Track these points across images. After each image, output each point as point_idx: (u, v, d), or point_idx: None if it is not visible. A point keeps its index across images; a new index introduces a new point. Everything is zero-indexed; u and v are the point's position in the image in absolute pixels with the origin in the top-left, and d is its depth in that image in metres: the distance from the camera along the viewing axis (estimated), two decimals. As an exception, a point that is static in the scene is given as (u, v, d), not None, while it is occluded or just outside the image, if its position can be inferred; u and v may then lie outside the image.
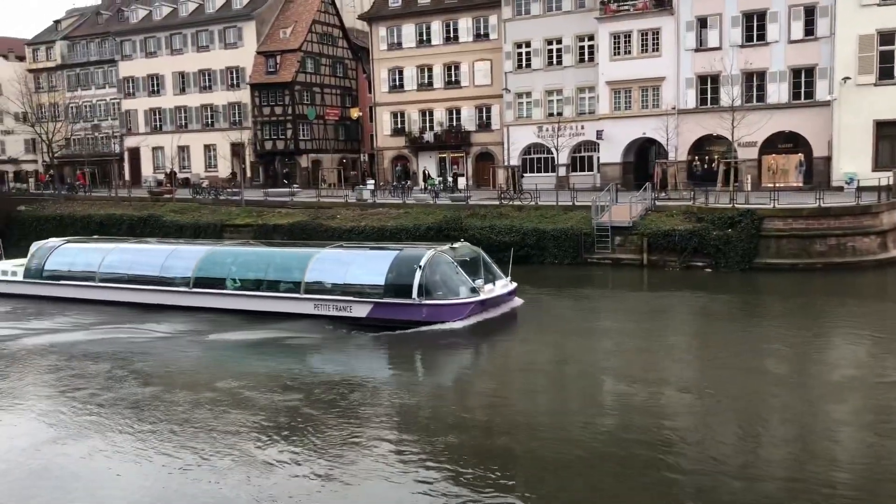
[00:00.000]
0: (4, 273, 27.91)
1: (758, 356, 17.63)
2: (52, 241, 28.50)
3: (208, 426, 13.52)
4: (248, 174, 57.25)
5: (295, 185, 48.61)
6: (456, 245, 22.39)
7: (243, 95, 57.29)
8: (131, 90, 62.91)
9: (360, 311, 21.10)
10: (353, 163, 61.13)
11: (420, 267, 20.40)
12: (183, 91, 60.59)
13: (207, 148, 59.59)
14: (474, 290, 20.94)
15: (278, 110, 56.12)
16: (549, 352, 18.94)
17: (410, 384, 16.89)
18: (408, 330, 20.15)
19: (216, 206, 41.94)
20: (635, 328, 21.50)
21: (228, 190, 45.76)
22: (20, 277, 27.20)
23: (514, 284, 22.64)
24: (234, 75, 58.29)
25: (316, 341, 20.10)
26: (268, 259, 24.17)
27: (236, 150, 55.99)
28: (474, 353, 19.87)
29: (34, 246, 28.17)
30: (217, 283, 23.47)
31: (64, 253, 27.23)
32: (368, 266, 21.95)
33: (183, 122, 60.92)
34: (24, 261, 28.05)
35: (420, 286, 20.25)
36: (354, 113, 60.57)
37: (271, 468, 11.58)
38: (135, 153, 63.08)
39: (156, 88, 61.81)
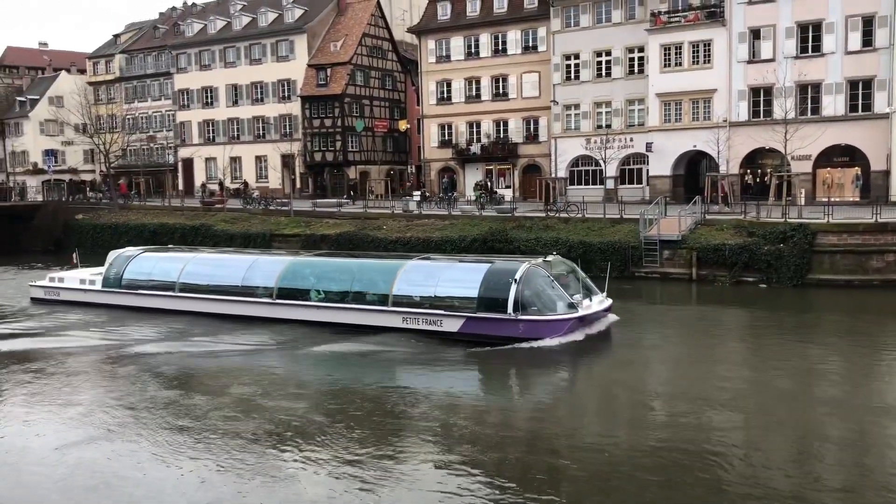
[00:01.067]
0: (82, 282, 27.78)
1: (827, 379, 17.21)
2: (130, 251, 28.39)
3: (312, 441, 13.24)
4: (298, 185, 58.01)
5: (345, 198, 48.75)
6: (549, 258, 21.70)
7: (294, 107, 58.18)
8: (186, 102, 64.42)
9: (452, 325, 20.51)
10: (401, 174, 61.50)
11: (515, 280, 19.70)
12: (235, 103, 61.80)
13: (258, 159, 60.60)
14: (572, 306, 20.07)
15: (328, 122, 56.82)
16: (650, 375, 18.08)
17: (513, 407, 16.06)
18: (502, 346, 19.41)
19: (266, 216, 42.57)
20: (741, 348, 20.95)
21: (278, 200, 46.43)
22: (98, 286, 27.11)
23: (610, 300, 21.78)
24: (286, 88, 59.24)
25: (408, 356, 19.54)
26: (353, 270, 23.71)
27: (286, 161, 56.81)
28: (574, 373, 18.72)
29: (112, 255, 28.12)
30: (300, 294, 23.12)
31: (142, 262, 27.11)
32: (459, 278, 21.34)
33: (235, 133, 62.11)
34: (100, 269, 27.95)
35: (516, 301, 19.56)
36: (403, 125, 60.99)
37: (367, 484, 11.41)
38: (188, 163, 64.50)
39: (209, 100, 63.18)
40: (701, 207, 32.71)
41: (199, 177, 63.35)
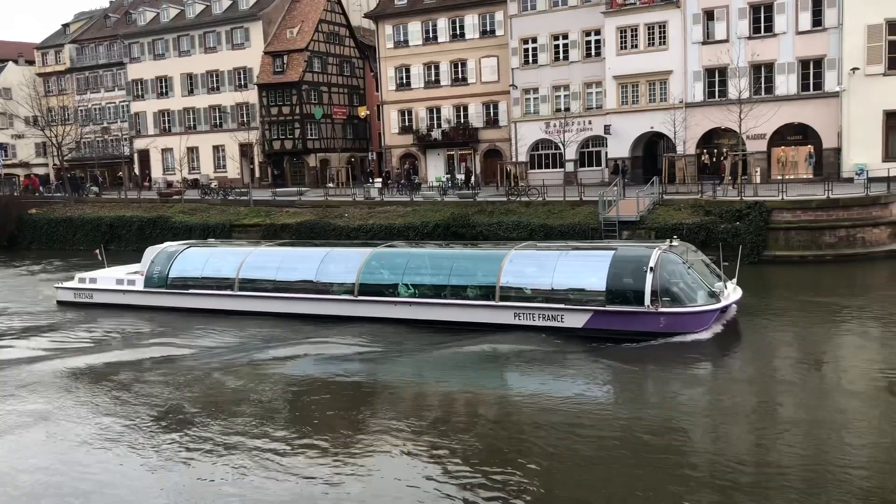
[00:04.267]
0: (120, 282, 25.10)
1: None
2: (171, 246, 25.80)
3: (443, 452, 12.15)
4: (257, 174, 57.41)
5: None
6: (675, 242, 19.42)
7: (251, 96, 57.45)
8: (140, 92, 63.21)
9: (576, 320, 18.41)
10: (362, 161, 61.20)
11: (651, 269, 17.66)
12: (191, 92, 60.82)
13: (216, 149, 59.80)
14: (714, 295, 18.15)
15: (286, 110, 56.24)
16: (803, 370, 16.31)
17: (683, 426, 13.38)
18: (640, 343, 17.49)
19: (225, 206, 42.10)
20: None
21: (237, 190, 45.90)
22: (140, 287, 24.49)
23: (740, 289, 19.60)
24: (242, 76, 58.44)
25: (540, 356, 17.35)
26: (448, 261, 21.45)
27: (245, 150, 56.15)
28: (740, 373, 16.25)
29: (151, 251, 25.40)
30: (387, 289, 20.87)
31: (190, 258, 24.49)
32: (580, 268, 19.28)
33: (191, 123, 61.16)
34: (136, 267, 25.61)
35: (653, 291, 17.50)
36: (362, 111, 60.63)
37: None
38: (144, 155, 63.37)
39: (164, 90, 62.07)
40: (658, 188, 33.09)
41: (156, 168, 62.33)
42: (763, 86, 39.62)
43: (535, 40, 46.58)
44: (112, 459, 12.43)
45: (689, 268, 18.44)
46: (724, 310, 18.35)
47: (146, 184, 58.72)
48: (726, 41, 39.79)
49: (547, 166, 47.47)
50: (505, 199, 35.81)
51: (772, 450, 11.74)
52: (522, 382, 16.08)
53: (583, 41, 45.31)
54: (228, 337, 20.34)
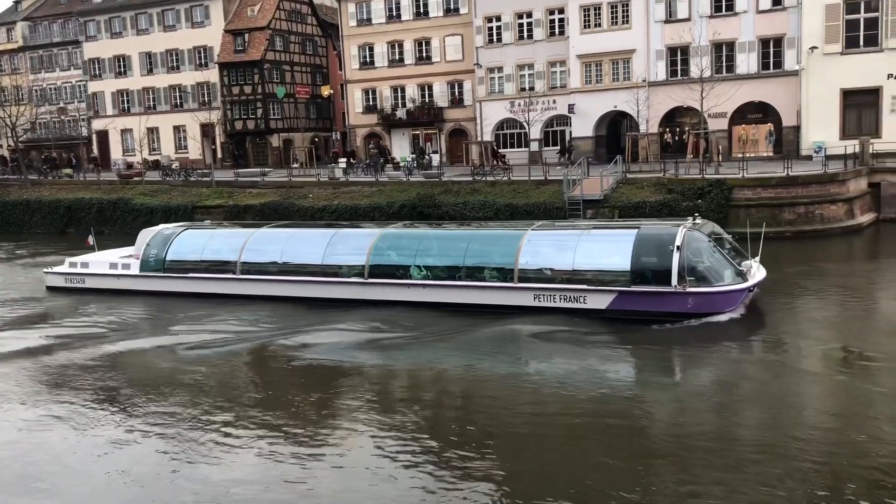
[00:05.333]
0: (114, 266, 24.06)
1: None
2: (168, 228, 24.80)
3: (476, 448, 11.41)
4: (219, 155, 56.63)
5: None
6: (698, 220, 18.73)
7: (212, 75, 56.49)
8: (97, 72, 61.74)
9: (599, 301, 17.81)
10: (326, 141, 60.68)
11: (677, 248, 17.07)
12: (150, 72, 59.58)
13: (177, 129, 58.78)
14: (741, 274, 17.59)
15: (248, 89, 55.43)
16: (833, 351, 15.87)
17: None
18: (668, 324, 17.03)
19: (186, 187, 41.49)
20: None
21: (199, 171, 45.27)
22: (135, 271, 23.49)
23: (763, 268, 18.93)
24: (202, 55, 57.40)
25: (566, 338, 16.82)
26: (462, 241, 20.65)
27: (206, 130, 55.28)
28: (773, 357, 15.70)
29: (146, 234, 24.32)
30: (399, 271, 20.09)
31: (188, 240, 23.51)
32: (602, 247, 18.82)
33: (151, 103, 60.00)
34: (129, 251, 24.70)
35: (680, 271, 16.94)
36: (325, 91, 60.02)
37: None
38: (103, 136, 62.05)
39: (122, 70, 60.72)
40: (622, 167, 33.36)
41: (116, 149, 61.06)
42: (724, 65, 40.02)
43: (499, 19, 46.40)
44: (86, 444, 12.19)
45: (714, 246, 17.96)
46: (752, 289, 17.91)
47: (95, 165, 57.50)
48: (688, 20, 40.09)
49: (512, 146, 47.53)
50: (471, 178, 35.81)
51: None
52: (550, 366, 15.47)
53: (546, 20, 45.26)
54: (231, 322, 19.64)
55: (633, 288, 17.48)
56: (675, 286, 16.98)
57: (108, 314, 21.31)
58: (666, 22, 40.96)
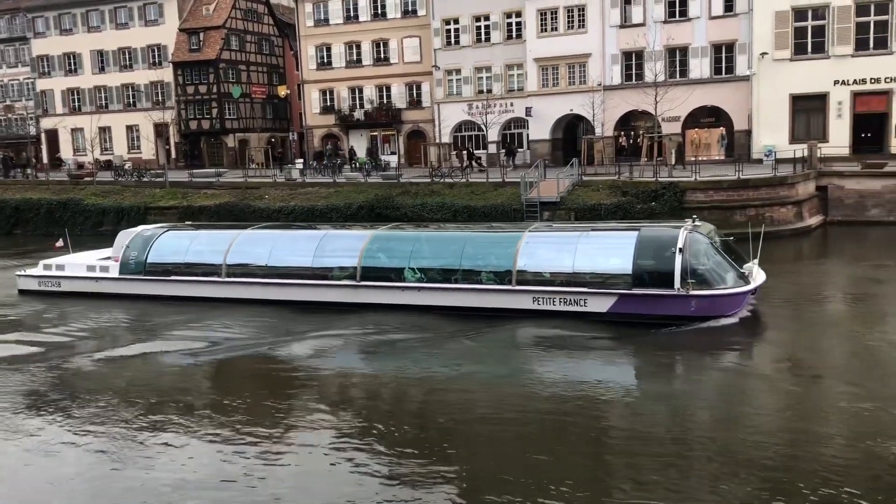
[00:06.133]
0: (91, 269, 23.07)
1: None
2: (149, 229, 23.89)
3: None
4: (173, 155, 55.77)
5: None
6: (697, 222, 18.39)
7: (166, 74, 55.62)
8: (46, 69, 60.29)
9: (600, 304, 17.45)
10: (283, 141, 60.16)
11: (680, 249, 16.78)
12: (102, 70, 58.42)
13: (130, 129, 57.73)
14: (743, 277, 17.34)
15: (203, 89, 54.71)
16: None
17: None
18: (670, 328, 16.69)
19: (139, 188, 40.75)
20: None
21: (152, 171, 44.50)
22: (115, 273, 22.50)
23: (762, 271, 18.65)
24: (156, 53, 56.49)
25: (567, 342, 16.47)
26: (458, 243, 20.07)
27: (160, 130, 54.42)
28: (778, 363, 15.35)
29: (125, 235, 23.31)
30: (392, 274, 19.55)
31: (170, 242, 22.64)
32: (602, 249, 18.39)
33: (103, 102, 58.81)
34: (108, 252, 23.69)
35: (683, 273, 16.64)
36: (282, 91, 59.53)
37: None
38: (52, 135, 60.60)
39: (73, 67, 59.41)
40: (578, 169, 33.70)
41: (65, 149, 59.71)
42: (678, 69, 40.75)
43: (457, 21, 46.54)
44: (39, 450, 11.85)
45: (716, 249, 17.64)
46: (754, 292, 17.71)
47: (38, 166, 56.21)
48: (643, 25, 40.72)
49: (458, 148, 47.58)
50: (429, 180, 35.83)
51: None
52: (549, 372, 15.04)
53: (504, 23, 45.54)
54: (217, 326, 18.97)
55: (635, 291, 17.12)
56: (679, 289, 16.69)
57: (87, 318, 20.49)
58: (621, 27, 41.54)
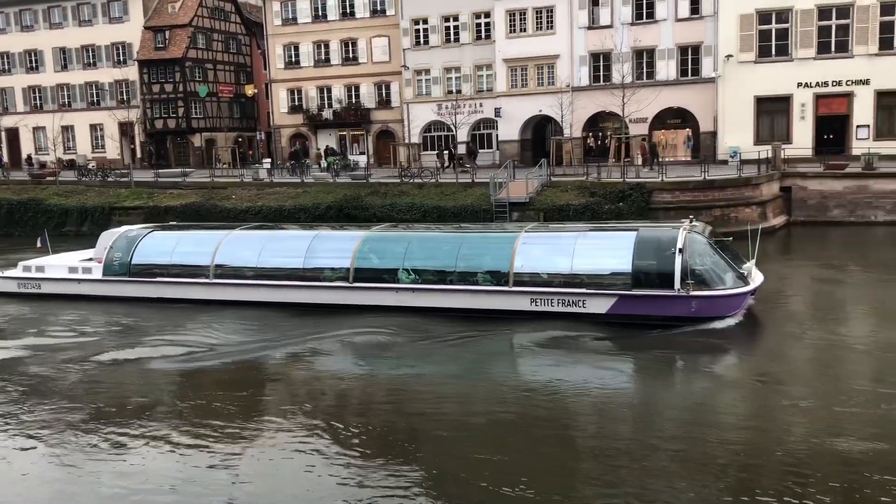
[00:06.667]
0: (73, 270, 22.51)
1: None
2: (132, 229, 23.30)
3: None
4: (139, 154, 54.98)
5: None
6: (695, 223, 18.34)
7: (131, 72, 54.75)
8: (6, 66, 58.98)
9: (599, 306, 17.26)
10: (250, 141, 59.60)
11: (679, 250, 16.62)
12: (65, 68, 57.30)
13: (94, 128, 56.75)
14: (743, 278, 17.21)
15: (168, 88, 53.99)
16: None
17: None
18: (670, 329, 16.57)
19: (104, 188, 40.09)
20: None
21: (117, 171, 43.82)
22: (98, 275, 22.00)
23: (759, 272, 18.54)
24: (121, 51, 55.53)
25: (566, 344, 16.28)
26: (453, 243, 19.79)
27: (125, 129, 53.59)
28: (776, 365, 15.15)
29: (107, 236, 22.78)
30: (386, 275, 19.28)
31: (155, 243, 22.18)
32: (601, 249, 18.17)
33: (66, 100, 57.73)
34: (90, 253, 23.18)
35: (683, 274, 16.50)
36: (249, 90, 58.95)
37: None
38: (12, 133, 59.31)
39: (34, 65, 58.16)
40: (546, 170, 33.85)
41: (27, 148, 58.46)
42: (645, 71, 41.13)
43: (426, 21, 46.49)
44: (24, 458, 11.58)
45: (715, 249, 17.50)
46: (753, 293, 17.56)
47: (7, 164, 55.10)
48: (610, 27, 41.03)
49: (440, 148, 47.60)
50: (398, 180, 35.75)
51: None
52: (551, 374, 14.81)
53: (473, 24, 45.59)
54: (204, 329, 18.59)
55: (635, 291, 16.96)
56: (679, 290, 16.54)
57: (70, 321, 20.00)
58: (589, 28, 41.82)
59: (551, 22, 42.59)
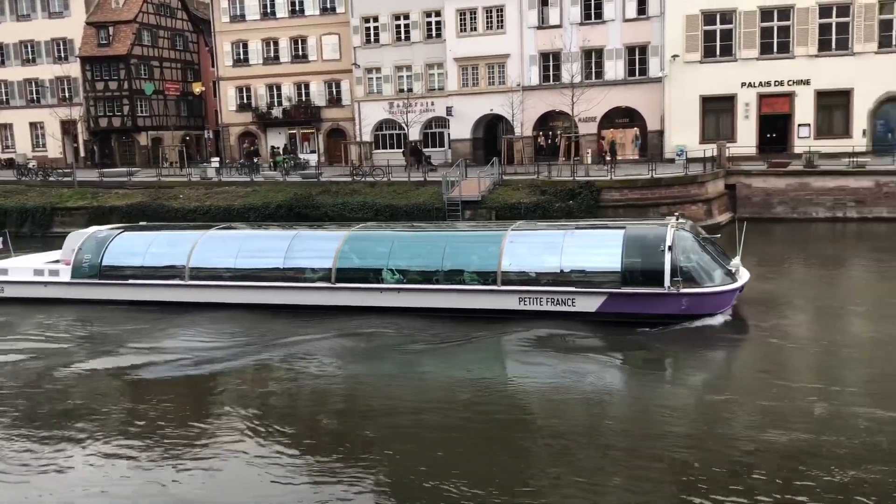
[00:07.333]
0: (39, 272, 21.60)
1: None
2: (101, 230, 22.47)
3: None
4: (82, 153, 53.59)
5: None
6: (681, 220, 18.30)
7: (73, 69, 53.26)
8: (-59, 62, 56.95)
9: (589, 304, 17.13)
10: (198, 139, 58.61)
11: (669, 248, 16.59)
12: (2, 63, 55.54)
13: (34, 126, 55.10)
14: (730, 274, 17.22)
15: (113, 85, 52.74)
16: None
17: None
18: (660, 327, 16.50)
19: (45, 188, 38.99)
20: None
21: (59, 171, 42.64)
22: (66, 277, 21.22)
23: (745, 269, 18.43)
24: (62, 47, 54.00)
25: (558, 343, 16.08)
26: (439, 242, 19.48)
27: (67, 127, 52.17)
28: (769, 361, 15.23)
29: (76, 237, 22.01)
30: (370, 275, 18.90)
31: (125, 244, 21.45)
32: (590, 247, 18.05)
33: (3, 97, 55.93)
34: (56, 255, 22.46)
35: (673, 272, 16.47)
36: (197, 88, 57.99)
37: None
38: (-52, 132, 57.33)
39: (-30, 60, 56.30)
40: (498, 169, 34.02)
41: (-37, 146, 56.59)
42: (594, 71, 41.60)
43: (376, 19, 46.28)
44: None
45: (703, 246, 17.54)
46: (741, 289, 17.58)
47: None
48: (560, 27, 41.39)
49: (391, 146, 47.50)
50: (349, 179, 35.54)
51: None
52: (546, 374, 14.69)
53: (424, 22, 45.54)
54: (180, 332, 18.11)
55: (625, 289, 16.88)
56: (669, 287, 16.49)
57: (38, 325, 19.20)
58: (538, 28, 42.13)
59: (501, 21, 42.79)
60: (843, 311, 19.13)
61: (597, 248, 17.95)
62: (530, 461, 10.91)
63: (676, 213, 19.60)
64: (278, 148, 48.73)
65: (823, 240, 30.21)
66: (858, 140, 37.32)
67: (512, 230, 19.20)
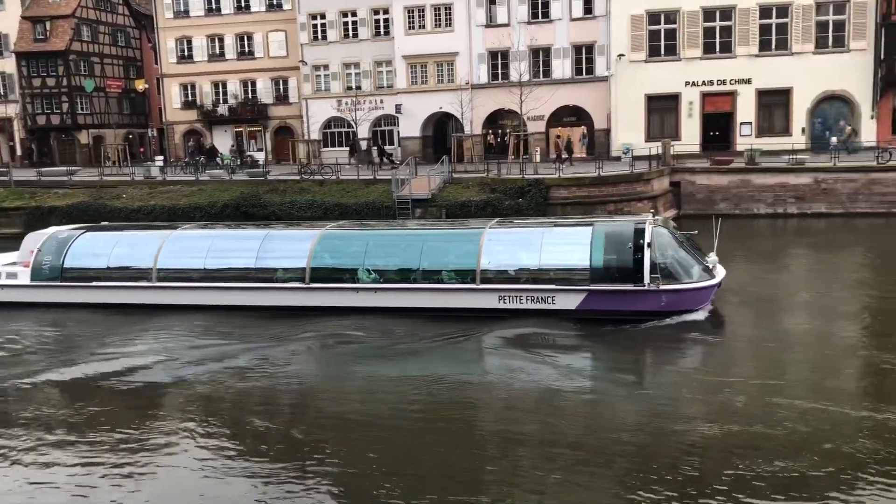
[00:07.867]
0: None
1: None
2: (62, 230, 21.81)
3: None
4: (19, 152, 51.92)
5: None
6: (657, 216, 18.17)
7: (7, 65, 51.65)
8: None
9: (569, 301, 17.10)
10: (141, 138, 57.31)
11: (648, 244, 16.59)
12: (-68, 59, 53.53)
13: (-33, 123, 53.21)
14: (708, 271, 17.30)
15: (51, 82, 51.26)
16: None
17: None
18: (639, 324, 16.53)
19: (-21, 188, 37.65)
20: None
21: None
22: (25, 280, 20.55)
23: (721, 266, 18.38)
24: (-4, 42, 52.34)
25: (537, 341, 15.99)
26: (416, 242, 19.23)
27: (2, 125, 50.52)
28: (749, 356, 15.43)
29: (35, 237, 21.30)
30: (345, 275, 18.63)
31: (87, 244, 20.81)
32: (568, 245, 17.97)
33: (-65, 94, 53.93)
34: (13, 256, 21.65)
35: (652, 268, 16.50)
36: (140, 85, 56.56)
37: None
38: None
39: None
40: (448, 167, 34.05)
41: None
42: (542, 69, 41.92)
43: (323, 16, 45.86)
44: None
45: (680, 243, 17.67)
46: (718, 285, 17.64)
47: None
48: (507, 25, 41.60)
49: (340, 144, 47.12)
50: (298, 177, 35.16)
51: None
52: (527, 373, 14.51)
53: (371, 19, 45.28)
54: (146, 336, 17.54)
55: (605, 286, 16.91)
56: (649, 284, 16.58)
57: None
58: (487, 26, 42.27)
59: (450, 19, 42.81)
60: (786, 304, 19.51)
61: (575, 245, 17.87)
62: (484, 460, 10.92)
63: (652, 210, 19.65)
64: (234, 146, 47.86)
65: (765, 235, 30.97)
66: (798, 138, 38.39)
67: (490, 228, 19.12)
